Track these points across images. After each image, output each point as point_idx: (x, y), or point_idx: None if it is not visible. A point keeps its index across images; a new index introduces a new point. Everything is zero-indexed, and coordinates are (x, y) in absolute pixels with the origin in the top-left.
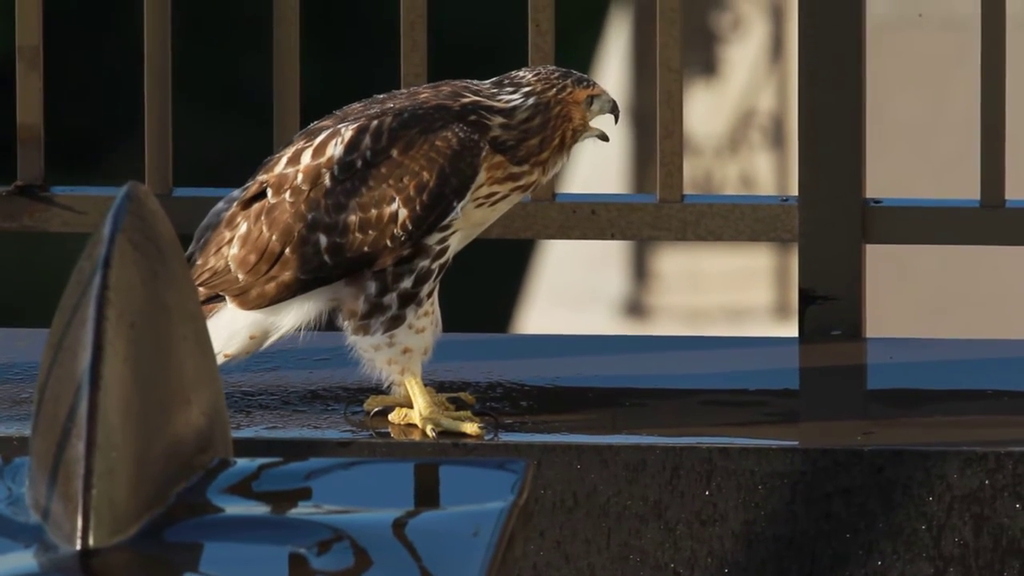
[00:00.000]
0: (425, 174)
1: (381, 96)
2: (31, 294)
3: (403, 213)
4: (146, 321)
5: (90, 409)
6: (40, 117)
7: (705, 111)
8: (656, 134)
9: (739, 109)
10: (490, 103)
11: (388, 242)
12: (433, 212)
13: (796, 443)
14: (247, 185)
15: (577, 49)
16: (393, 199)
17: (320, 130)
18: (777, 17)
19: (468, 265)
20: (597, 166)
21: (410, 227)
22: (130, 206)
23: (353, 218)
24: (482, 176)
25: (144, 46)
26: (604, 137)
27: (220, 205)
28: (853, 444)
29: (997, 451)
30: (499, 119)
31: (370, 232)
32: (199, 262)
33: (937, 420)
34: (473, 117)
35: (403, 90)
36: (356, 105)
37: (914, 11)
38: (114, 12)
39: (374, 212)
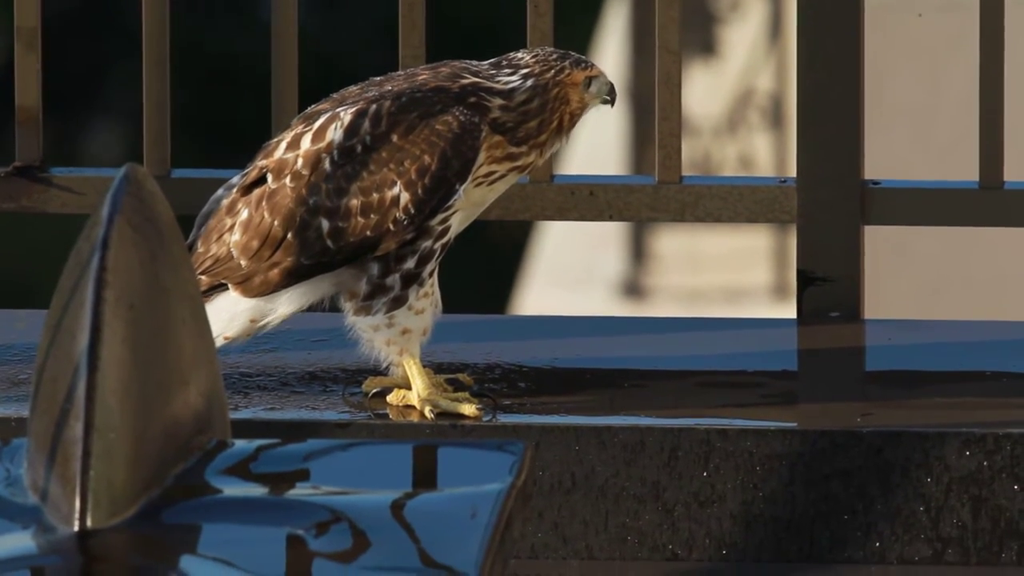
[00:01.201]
0: (426, 157)
1: (378, 78)
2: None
3: (405, 197)
4: (144, 302)
5: (88, 390)
6: (38, 99)
7: (704, 92)
8: (654, 115)
9: (738, 90)
10: (489, 84)
11: (391, 226)
12: (435, 195)
13: (794, 424)
14: (246, 171)
15: (575, 30)
16: (395, 183)
17: (318, 114)
18: None
19: (467, 246)
20: (595, 147)
21: (412, 211)
22: (129, 187)
23: (355, 202)
24: (481, 156)
25: (142, 25)
26: (611, 96)
27: (220, 192)
28: (851, 425)
29: (995, 432)
30: (498, 101)
31: (372, 216)
32: (200, 249)
33: (935, 402)
34: (473, 99)
35: (401, 72)
36: (354, 88)
37: None
38: None
39: (376, 196)
